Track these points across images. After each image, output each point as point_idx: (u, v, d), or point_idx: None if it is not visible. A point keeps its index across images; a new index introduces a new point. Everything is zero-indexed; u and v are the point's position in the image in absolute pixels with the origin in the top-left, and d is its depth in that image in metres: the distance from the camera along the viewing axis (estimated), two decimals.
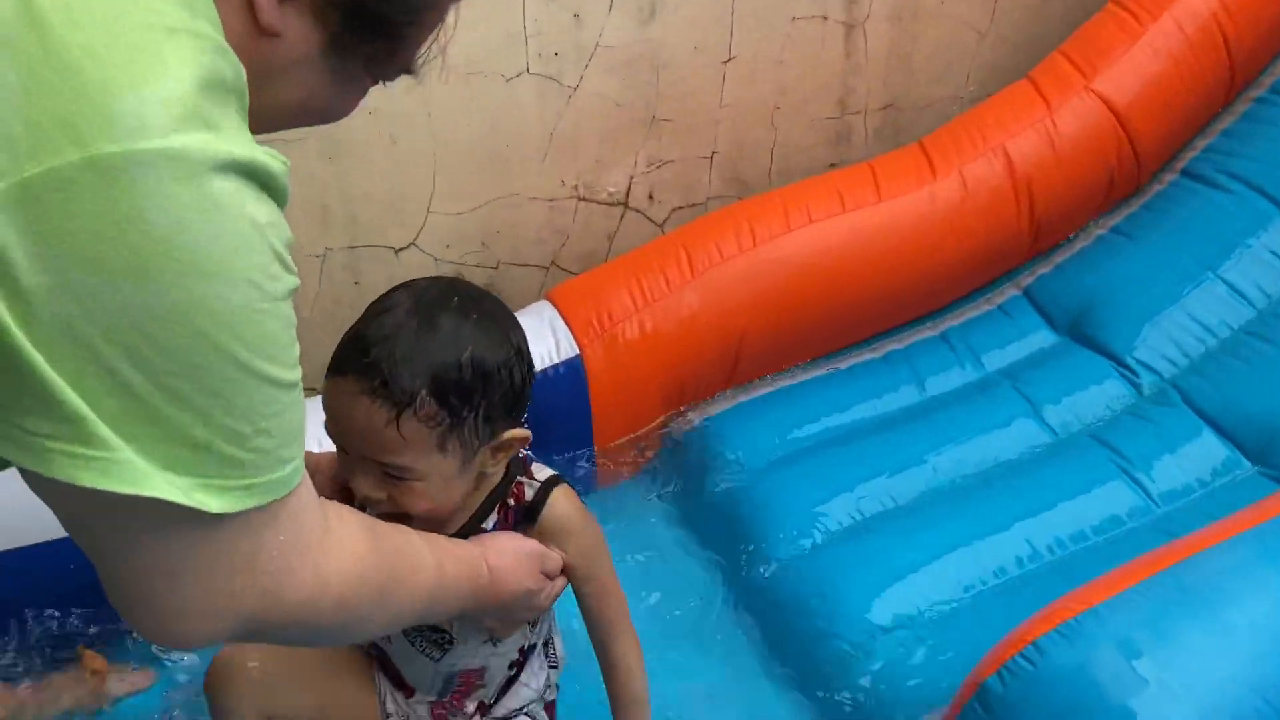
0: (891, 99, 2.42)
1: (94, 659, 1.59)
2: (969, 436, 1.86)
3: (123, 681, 1.60)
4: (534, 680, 1.31)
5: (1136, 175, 2.13)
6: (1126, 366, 1.91)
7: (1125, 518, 1.68)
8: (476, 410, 1.07)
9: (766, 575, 1.67)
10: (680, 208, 2.31)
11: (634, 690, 1.29)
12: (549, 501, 1.19)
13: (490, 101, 2.01)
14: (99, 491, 0.64)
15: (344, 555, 0.84)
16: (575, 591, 1.24)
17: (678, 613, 1.67)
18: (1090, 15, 2.24)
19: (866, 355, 2.09)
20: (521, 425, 1.15)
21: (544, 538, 1.18)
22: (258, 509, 0.72)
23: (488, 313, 1.11)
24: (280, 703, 1.28)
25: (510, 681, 1.29)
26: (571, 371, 1.91)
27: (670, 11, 2.08)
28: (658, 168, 2.24)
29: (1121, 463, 1.74)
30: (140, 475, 0.65)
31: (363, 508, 1.05)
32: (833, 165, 2.44)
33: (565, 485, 1.21)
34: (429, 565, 0.98)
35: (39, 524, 1.63)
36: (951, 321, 2.13)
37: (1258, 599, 1.18)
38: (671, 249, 2.00)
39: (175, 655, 1.64)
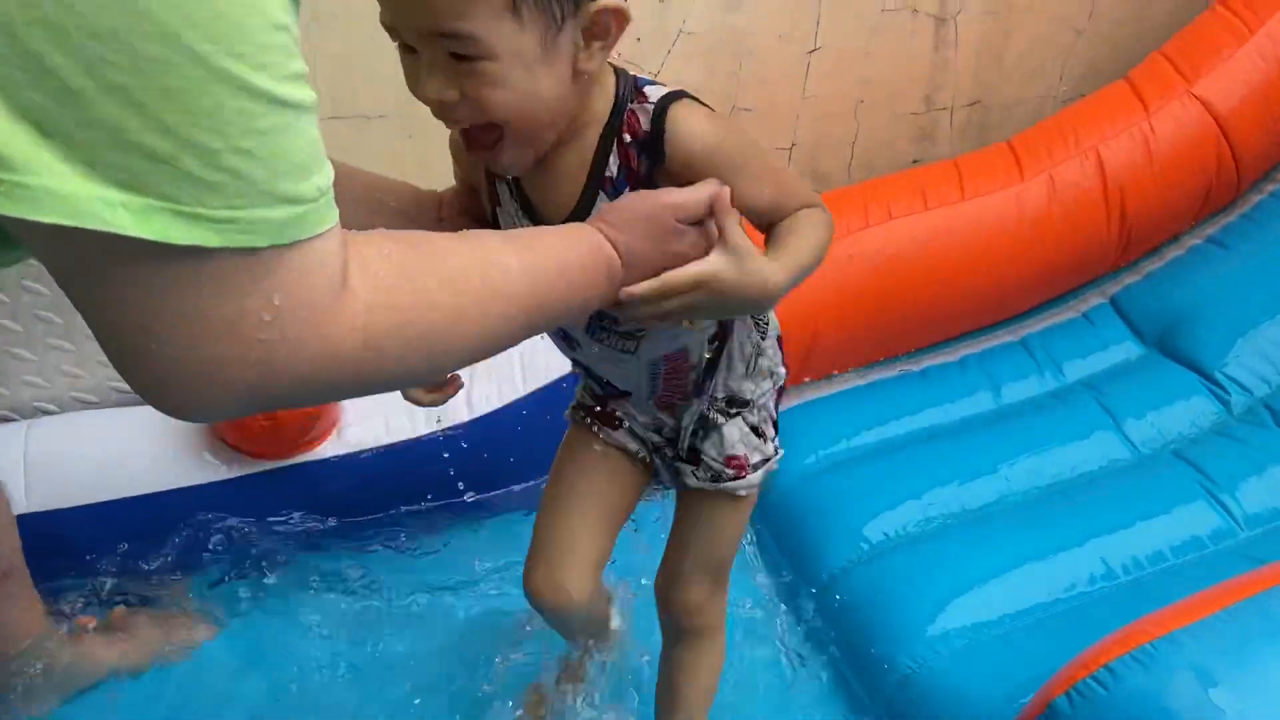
0: (980, 95, 2.35)
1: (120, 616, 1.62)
2: (1045, 447, 1.80)
3: (183, 631, 1.63)
4: (740, 350, 1.16)
5: (1236, 185, 2.04)
6: (1216, 382, 1.83)
7: (1207, 540, 1.61)
8: None
9: (827, 580, 1.64)
10: None
11: (819, 228, 1.05)
12: (668, 124, 0.96)
13: None
14: (43, 226, 0.53)
15: (369, 306, 0.68)
16: (745, 214, 1.01)
17: (739, 611, 1.65)
18: (1195, 16, 2.16)
19: (942, 358, 2.04)
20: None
21: (681, 170, 0.97)
22: (243, 255, 0.59)
23: None
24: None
25: (715, 358, 1.15)
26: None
27: None
28: None
29: (1206, 483, 1.67)
30: (75, 200, 0.53)
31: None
32: (916, 162, 2.38)
33: (684, 99, 0.98)
34: (513, 274, 0.80)
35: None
36: (1032, 328, 2.07)
37: None
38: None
39: (238, 609, 1.69)
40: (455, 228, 0.84)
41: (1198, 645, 1.14)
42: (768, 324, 1.19)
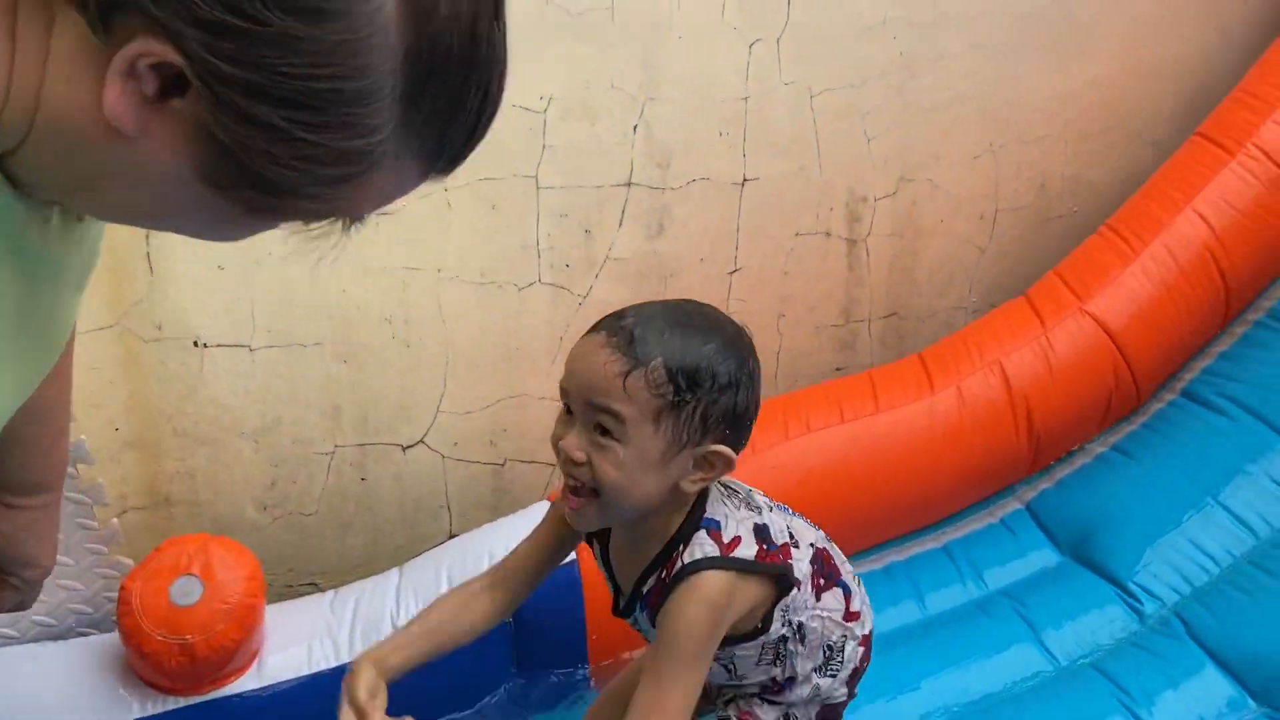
0: (895, 308, 2.49)
1: None
2: (969, 660, 1.82)
3: None
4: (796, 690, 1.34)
5: (1135, 395, 2.16)
6: (1129, 592, 1.88)
7: None
8: (699, 403, 1.14)
9: None
10: None
11: None
12: (682, 586, 1.20)
13: (503, 308, 2.10)
14: None
15: None
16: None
17: None
18: (1086, 235, 2.33)
19: (868, 565, 2.08)
20: (733, 448, 1.17)
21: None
22: None
23: (734, 336, 1.19)
24: None
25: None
26: (567, 575, 1.91)
27: (678, 226, 2.19)
28: None
29: (1124, 698, 1.69)
30: None
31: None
32: (839, 370, 2.49)
33: (710, 574, 1.19)
34: None
35: None
36: (954, 534, 2.12)
37: None
38: None
39: None
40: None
41: None
42: (838, 670, 1.36)
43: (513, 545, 1.90)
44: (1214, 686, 1.69)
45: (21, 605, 1.02)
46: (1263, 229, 2.13)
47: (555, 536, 1.37)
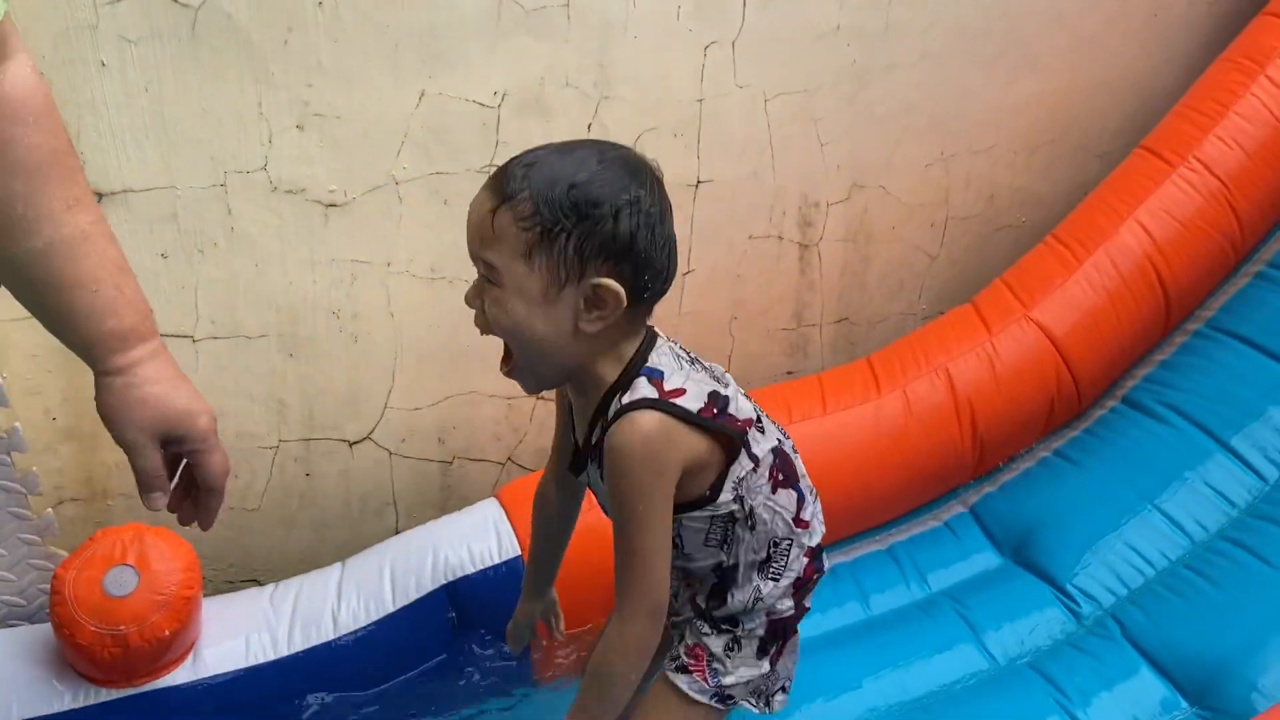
0: (846, 313, 2.51)
1: None
2: (910, 660, 1.84)
3: None
4: (740, 591, 1.35)
5: (1078, 401, 2.19)
6: (1067, 594, 1.90)
7: None
8: (568, 233, 1.13)
9: None
10: None
11: (595, 661, 1.30)
12: (614, 426, 1.19)
13: (452, 305, 2.09)
14: None
15: None
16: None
17: None
18: (1034, 245, 2.37)
19: None
20: (621, 283, 1.15)
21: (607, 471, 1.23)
22: None
23: (625, 162, 1.16)
24: None
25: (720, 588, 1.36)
26: (512, 573, 1.90)
27: None
28: None
29: (1060, 698, 1.71)
30: None
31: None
32: (790, 374, 2.51)
33: (644, 413, 1.18)
34: None
35: None
36: (898, 537, 2.13)
37: None
38: None
39: None
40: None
41: None
42: (780, 574, 1.35)
43: (458, 541, 1.92)
44: (1148, 687, 1.71)
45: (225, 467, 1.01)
46: (1202, 240, 2.18)
47: (563, 409, 1.41)
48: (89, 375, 1.74)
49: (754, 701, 1.45)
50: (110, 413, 0.94)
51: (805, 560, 1.39)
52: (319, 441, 2.08)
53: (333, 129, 1.85)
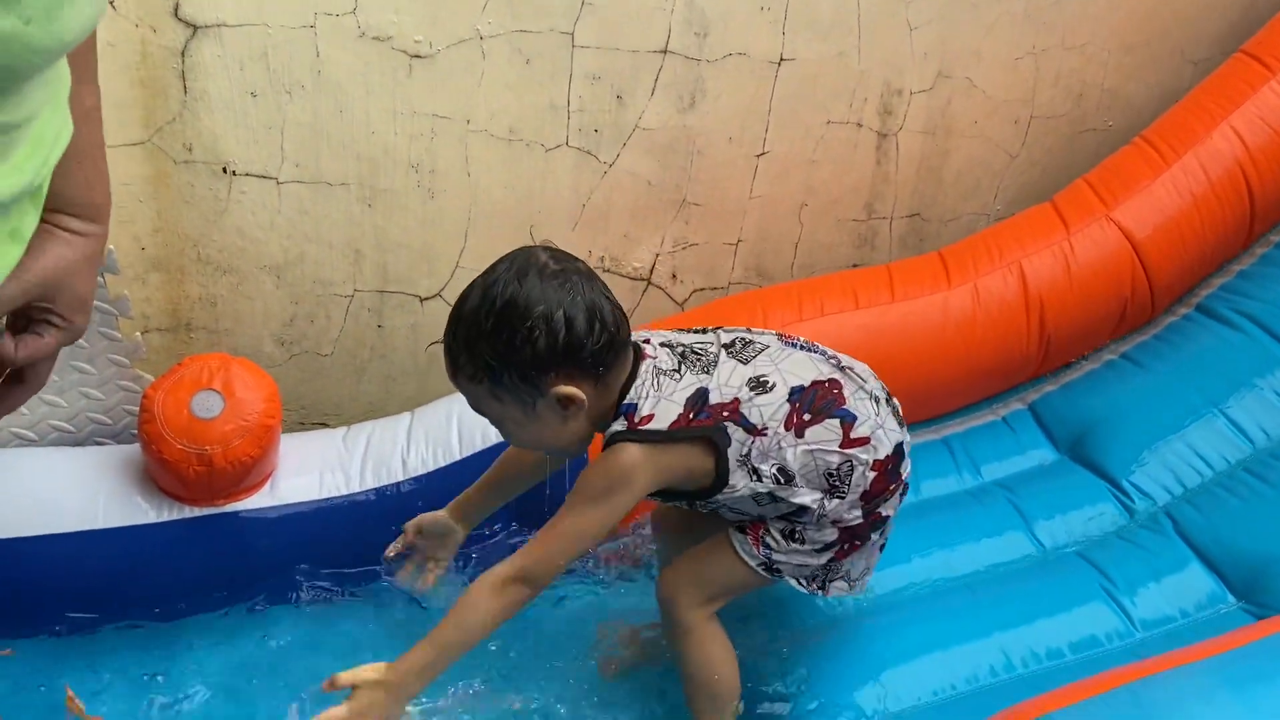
0: (918, 208, 2.49)
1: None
2: (958, 542, 1.87)
3: None
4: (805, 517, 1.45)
5: (1150, 306, 2.17)
6: (1122, 490, 1.91)
7: (1104, 639, 1.67)
8: (505, 370, 1.31)
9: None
10: (702, 289, 2.37)
11: (440, 628, 1.40)
12: (604, 450, 1.39)
13: (528, 168, 2.10)
14: None
15: None
16: None
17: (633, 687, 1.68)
18: (1118, 149, 2.31)
19: None
20: (580, 382, 1.33)
21: None
22: None
23: (513, 280, 1.32)
24: None
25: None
26: None
27: (710, 101, 2.18)
28: (683, 248, 2.32)
29: (1107, 585, 1.73)
30: None
31: None
32: (855, 266, 2.50)
33: (622, 444, 1.37)
34: None
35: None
36: (955, 428, 2.15)
37: None
38: (686, 326, 2.05)
39: None
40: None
41: None
42: (845, 492, 1.43)
43: None
44: (1196, 581, 1.73)
45: (53, 352, 0.97)
46: None
47: None
48: (179, 208, 1.77)
49: (804, 583, 1.50)
50: (50, 260, 0.92)
51: (873, 474, 1.43)
52: (392, 295, 2.13)
53: None
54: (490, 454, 1.90)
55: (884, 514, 1.48)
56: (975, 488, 2.01)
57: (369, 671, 1.36)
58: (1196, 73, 2.49)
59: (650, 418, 1.37)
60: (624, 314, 1.40)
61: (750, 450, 1.38)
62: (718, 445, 1.38)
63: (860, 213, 2.45)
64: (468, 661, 1.46)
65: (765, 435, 1.39)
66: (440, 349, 1.41)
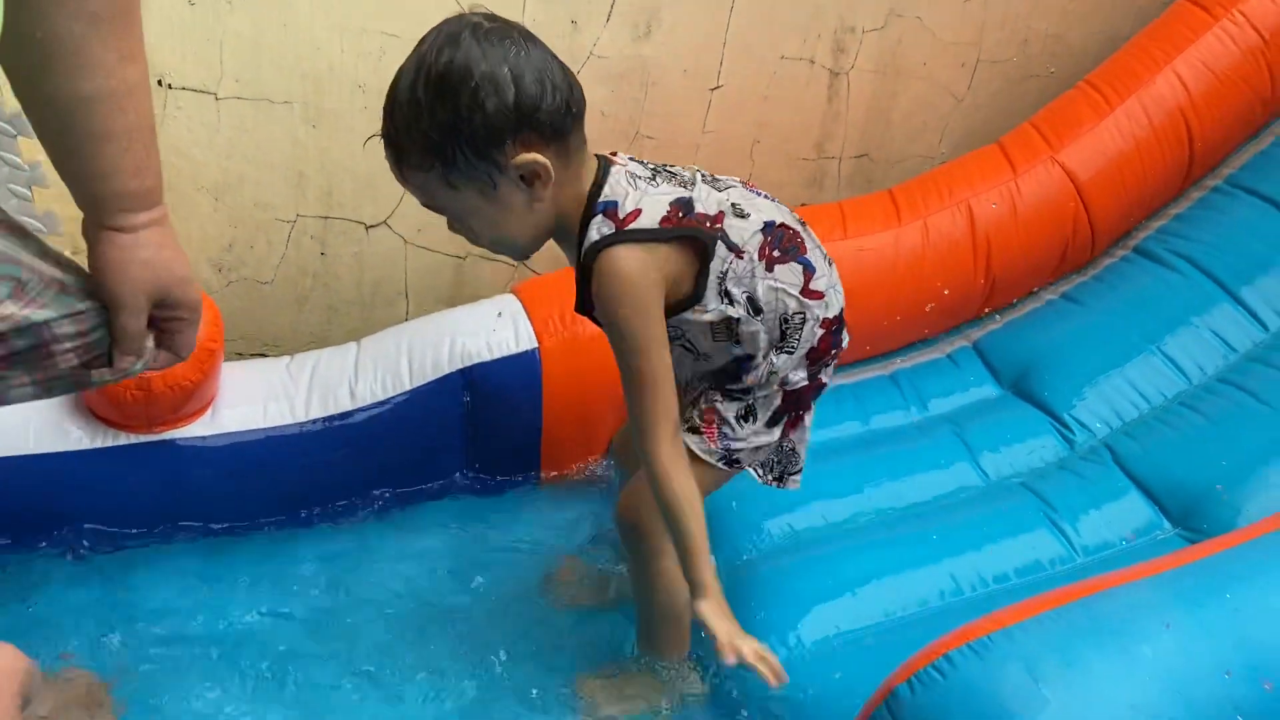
0: (867, 149, 2.49)
1: None
2: (907, 473, 1.90)
3: None
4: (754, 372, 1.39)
5: (1091, 247, 2.21)
6: (1063, 423, 1.96)
7: (1047, 564, 1.72)
8: (455, 147, 1.17)
9: None
10: None
11: (656, 498, 1.34)
12: (594, 270, 1.27)
13: None
14: None
15: None
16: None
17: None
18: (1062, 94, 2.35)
19: None
20: (542, 149, 1.20)
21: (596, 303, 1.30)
22: None
23: (446, 47, 1.17)
24: None
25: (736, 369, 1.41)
26: (529, 364, 1.92)
27: (665, 32, 2.14)
28: None
29: (1049, 512, 1.78)
30: None
31: None
32: (804, 205, 2.50)
33: (613, 250, 1.25)
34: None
35: None
36: (902, 364, 2.18)
37: (1165, 636, 1.22)
38: None
39: None
40: None
41: (1029, 640, 1.22)
42: (795, 347, 1.37)
43: (474, 329, 1.91)
44: (1134, 508, 1.79)
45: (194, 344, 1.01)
46: (1235, 95, 2.17)
47: None
48: None
49: (762, 473, 1.50)
50: (111, 267, 0.92)
51: (821, 331, 1.40)
52: (336, 221, 2.06)
53: None
54: (446, 382, 1.86)
55: (824, 380, 1.46)
56: (922, 421, 2.04)
57: (704, 608, 1.33)
58: (1138, 19, 2.53)
59: (637, 213, 1.26)
60: (575, 79, 1.25)
61: (728, 270, 1.31)
62: (704, 253, 1.30)
63: (810, 152, 2.44)
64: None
65: (743, 259, 1.32)
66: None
